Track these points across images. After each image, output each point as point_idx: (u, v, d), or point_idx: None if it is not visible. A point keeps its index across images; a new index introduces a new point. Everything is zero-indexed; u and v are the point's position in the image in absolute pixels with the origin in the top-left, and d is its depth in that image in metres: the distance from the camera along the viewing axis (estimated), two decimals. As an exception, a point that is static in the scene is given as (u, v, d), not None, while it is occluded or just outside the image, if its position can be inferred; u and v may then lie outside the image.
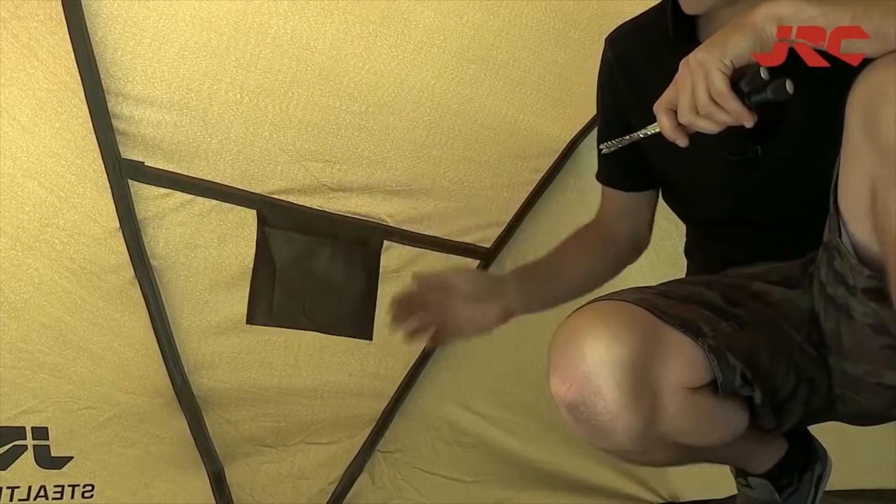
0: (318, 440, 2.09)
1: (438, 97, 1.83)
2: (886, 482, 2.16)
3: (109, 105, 1.61)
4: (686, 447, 1.17)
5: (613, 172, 1.49)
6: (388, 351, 2.08)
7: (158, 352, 1.83)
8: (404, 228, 1.95)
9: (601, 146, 1.22)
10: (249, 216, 1.77)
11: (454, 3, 1.72)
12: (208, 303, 1.86)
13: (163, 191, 1.73)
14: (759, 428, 1.21)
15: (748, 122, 1.00)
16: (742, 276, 1.28)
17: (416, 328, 1.47)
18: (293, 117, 1.75)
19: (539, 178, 2.05)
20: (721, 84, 0.99)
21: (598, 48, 1.45)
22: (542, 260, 1.55)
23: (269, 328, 1.88)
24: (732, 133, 1.04)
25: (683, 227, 1.51)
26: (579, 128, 2.00)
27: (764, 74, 0.99)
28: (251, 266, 1.67)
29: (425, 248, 1.98)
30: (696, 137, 1.06)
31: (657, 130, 1.08)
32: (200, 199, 1.76)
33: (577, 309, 1.14)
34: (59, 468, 1.81)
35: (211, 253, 1.81)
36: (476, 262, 2.07)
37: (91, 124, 1.61)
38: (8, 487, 1.76)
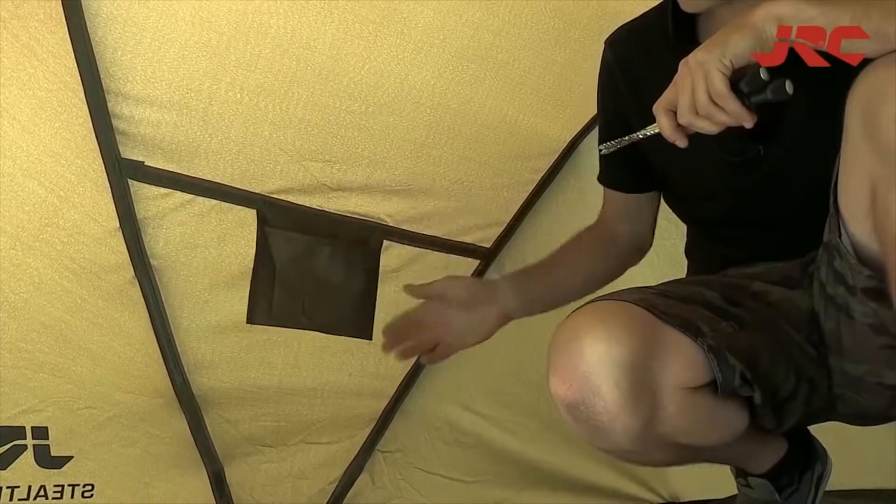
0: (318, 440, 2.09)
1: (438, 97, 1.83)
2: (886, 482, 2.17)
3: (109, 105, 1.61)
4: (686, 447, 1.17)
5: (614, 174, 1.49)
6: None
7: (158, 351, 1.83)
8: (404, 228, 1.95)
9: (601, 147, 1.22)
10: (249, 216, 1.77)
11: (454, 2, 1.72)
12: (208, 302, 1.86)
13: (163, 190, 1.73)
14: (759, 428, 1.21)
15: (748, 122, 1.00)
16: (742, 276, 1.28)
17: (413, 346, 1.48)
18: (293, 117, 1.75)
19: (539, 178, 2.05)
20: (720, 85, 0.99)
21: (598, 48, 1.45)
22: (543, 261, 1.55)
23: (268, 328, 1.88)
24: (732, 133, 1.04)
25: (683, 227, 1.51)
26: (579, 128, 2.00)
27: (763, 75, 0.99)
28: (251, 266, 1.67)
29: (425, 248, 1.98)
30: (695, 138, 1.05)
31: (657, 131, 1.08)
32: (200, 198, 1.76)
33: (577, 309, 1.15)
34: (59, 468, 1.81)
35: (211, 253, 1.81)
36: (476, 262, 2.07)
37: (91, 124, 1.61)
38: (8, 487, 1.76)
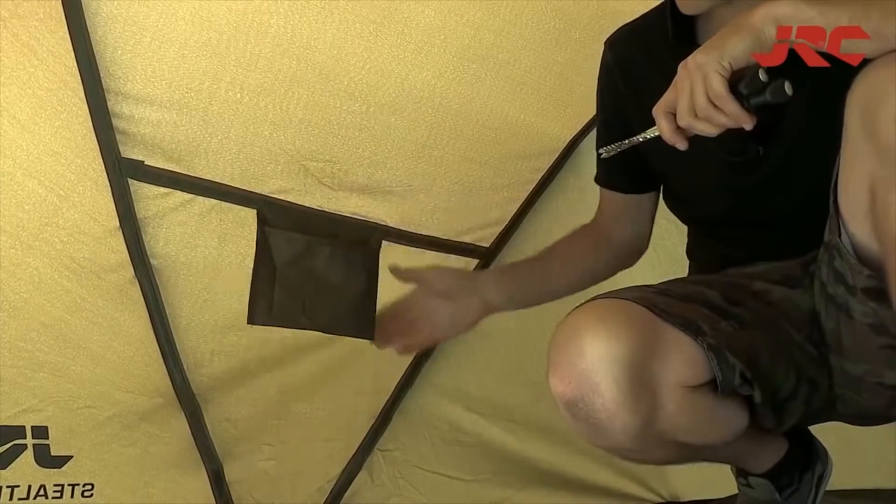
0: (317, 438, 2.09)
1: (439, 97, 1.83)
2: (886, 482, 2.17)
3: (109, 104, 1.60)
4: (685, 446, 1.17)
5: (613, 175, 1.49)
6: (387, 349, 2.08)
7: (158, 351, 1.83)
8: (403, 229, 1.94)
9: (601, 151, 1.22)
10: (249, 216, 1.77)
11: (455, 2, 1.72)
12: (208, 302, 1.85)
13: (163, 190, 1.72)
14: (759, 427, 1.21)
15: (747, 124, 1.00)
16: (743, 275, 1.28)
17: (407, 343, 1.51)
18: (293, 117, 1.75)
19: (539, 178, 2.06)
20: (719, 86, 0.99)
21: (599, 48, 1.45)
22: (534, 257, 1.57)
23: (268, 327, 1.88)
24: (732, 134, 1.04)
25: (684, 227, 1.51)
26: (580, 127, 2.00)
27: (762, 76, 0.99)
28: (251, 265, 1.67)
29: (425, 248, 1.98)
30: (696, 139, 1.06)
31: (656, 134, 1.08)
32: (200, 198, 1.76)
33: (577, 307, 1.15)
34: (59, 467, 1.81)
35: (211, 252, 1.81)
36: (475, 262, 2.07)
37: (91, 123, 1.60)
38: (7, 486, 1.76)
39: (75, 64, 1.54)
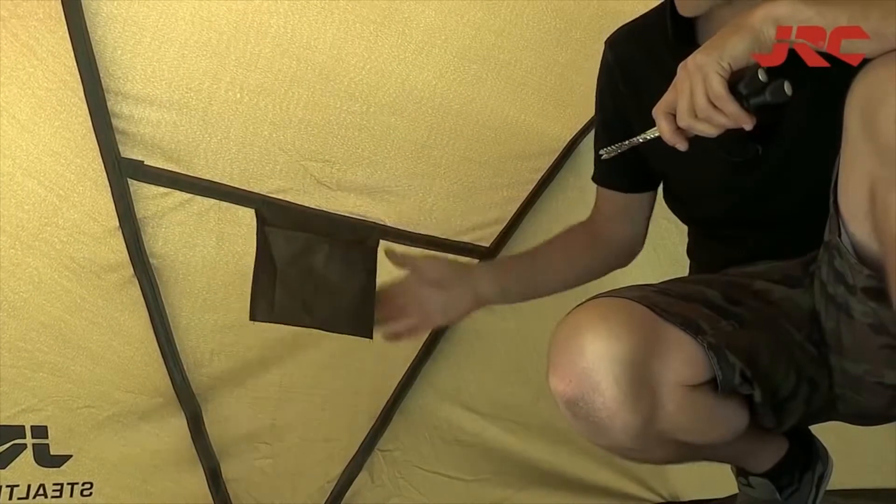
0: (317, 438, 2.09)
1: (440, 97, 1.83)
2: (886, 482, 2.17)
3: (109, 104, 1.60)
4: (685, 445, 1.17)
5: (612, 174, 1.49)
6: (387, 349, 2.08)
7: (158, 350, 1.83)
8: (402, 228, 1.94)
9: (601, 152, 1.22)
10: (248, 215, 1.77)
11: (455, 2, 1.72)
12: (207, 301, 1.86)
13: (162, 190, 1.72)
14: (759, 427, 1.21)
15: (747, 124, 1.00)
16: (743, 274, 1.28)
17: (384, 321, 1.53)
18: (293, 117, 1.75)
19: (539, 178, 2.06)
20: (719, 87, 0.99)
21: (599, 48, 1.45)
22: (528, 252, 1.58)
23: (268, 326, 1.88)
24: (732, 134, 1.04)
25: (684, 227, 1.51)
26: (579, 127, 2.00)
27: (762, 76, 0.99)
28: (250, 264, 1.67)
29: (424, 248, 1.98)
30: (696, 139, 1.06)
31: (657, 135, 1.08)
32: (199, 198, 1.76)
33: (577, 306, 1.15)
34: (59, 467, 1.81)
35: (210, 252, 1.81)
36: (475, 262, 2.07)
37: (90, 123, 1.60)
38: (7, 486, 1.76)
39: (75, 64, 1.54)
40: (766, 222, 1.31)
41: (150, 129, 1.66)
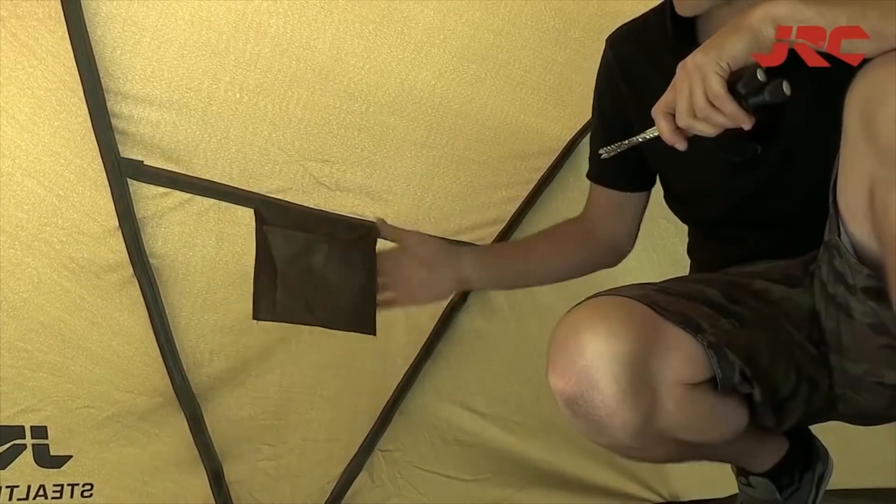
0: (317, 438, 2.09)
1: (439, 97, 1.83)
2: (886, 482, 2.17)
3: (108, 104, 1.60)
4: (685, 444, 1.17)
5: (609, 172, 1.49)
6: (387, 349, 2.08)
7: (157, 350, 1.83)
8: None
9: (601, 151, 1.22)
10: (247, 215, 1.76)
11: (454, 2, 1.72)
12: (207, 301, 1.86)
13: (162, 190, 1.72)
14: (759, 426, 1.21)
15: (745, 124, 1.00)
16: (743, 274, 1.28)
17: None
18: (292, 117, 1.75)
19: (538, 178, 2.06)
20: (718, 87, 0.99)
21: (599, 47, 1.45)
22: (517, 242, 1.59)
23: (268, 326, 1.88)
24: (731, 134, 1.04)
25: (684, 227, 1.51)
26: (579, 127, 2.00)
27: (761, 76, 0.99)
28: (250, 264, 1.67)
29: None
30: (695, 139, 1.06)
31: (656, 134, 1.08)
32: (199, 198, 1.76)
33: (577, 304, 1.15)
34: (59, 467, 1.81)
35: (209, 251, 1.81)
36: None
37: (90, 123, 1.60)
38: (7, 486, 1.76)
39: (74, 64, 1.54)
40: (766, 222, 1.31)
41: (149, 129, 1.66)
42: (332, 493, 2.13)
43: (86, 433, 1.82)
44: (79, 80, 1.56)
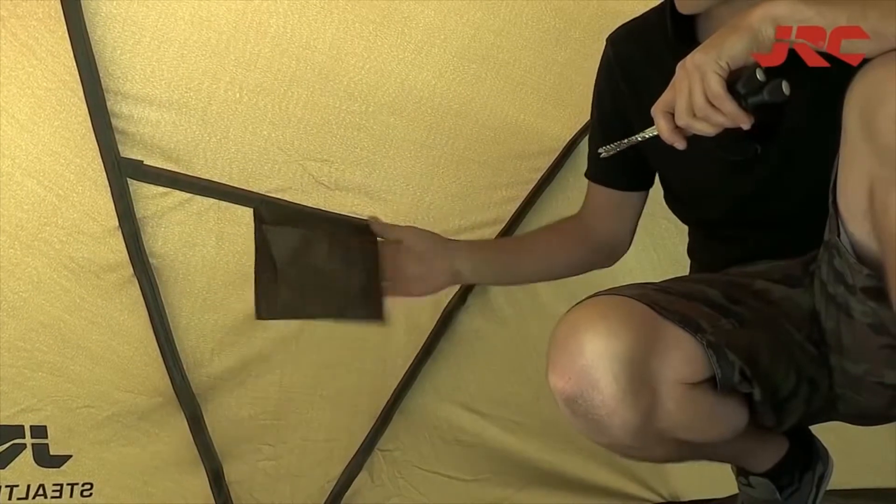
0: (317, 438, 2.09)
1: (439, 97, 1.83)
2: (886, 482, 2.17)
3: (108, 104, 1.60)
4: (685, 443, 1.17)
5: (609, 171, 1.50)
6: (387, 349, 2.08)
7: (157, 350, 1.82)
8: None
9: (600, 150, 1.22)
10: (248, 214, 1.76)
11: (455, 2, 1.72)
12: (207, 301, 1.85)
13: (161, 189, 1.72)
14: (759, 426, 1.21)
15: (745, 123, 1.00)
16: (744, 274, 1.28)
17: None
18: (292, 116, 1.75)
19: (539, 178, 2.06)
20: (717, 86, 0.99)
21: (599, 47, 1.45)
22: (514, 238, 1.59)
23: (267, 326, 1.88)
24: (731, 134, 1.04)
25: (684, 227, 1.51)
26: (579, 127, 2.00)
27: (760, 76, 0.99)
28: (250, 264, 1.67)
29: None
30: (695, 139, 1.06)
31: (655, 134, 1.08)
32: (199, 197, 1.75)
33: (577, 304, 1.15)
34: (58, 467, 1.81)
35: (209, 251, 1.81)
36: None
37: (90, 123, 1.60)
38: (7, 486, 1.76)
39: (74, 64, 1.54)
40: (766, 222, 1.31)
41: (149, 129, 1.66)
42: (331, 492, 2.13)
43: (86, 433, 1.82)
44: (79, 80, 1.56)
